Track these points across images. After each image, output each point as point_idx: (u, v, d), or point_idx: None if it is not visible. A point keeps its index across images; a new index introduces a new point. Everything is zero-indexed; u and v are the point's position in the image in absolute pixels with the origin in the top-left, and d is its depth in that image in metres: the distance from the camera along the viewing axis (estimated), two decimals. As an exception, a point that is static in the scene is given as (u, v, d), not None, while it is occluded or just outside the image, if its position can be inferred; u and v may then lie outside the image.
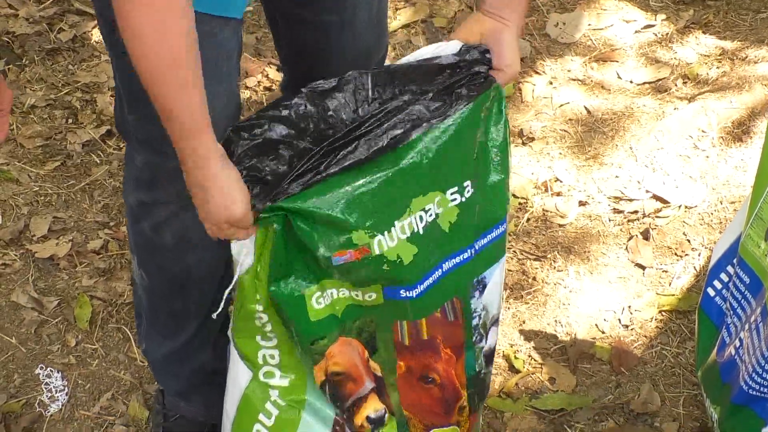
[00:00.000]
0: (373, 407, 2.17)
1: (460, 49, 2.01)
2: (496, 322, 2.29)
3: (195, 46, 1.78)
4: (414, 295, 2.02)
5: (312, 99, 1.94)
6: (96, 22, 2.26)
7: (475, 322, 2.23)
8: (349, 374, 2.11)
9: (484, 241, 2.09)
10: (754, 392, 2.33)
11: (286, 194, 1.85)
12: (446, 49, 2.02)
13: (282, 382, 2.11)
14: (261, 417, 2.17)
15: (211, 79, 1.91)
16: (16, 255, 3.11)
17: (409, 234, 1.97)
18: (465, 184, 2.04)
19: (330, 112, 1.97)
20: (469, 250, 2.09)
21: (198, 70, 1.81)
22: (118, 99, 2.20)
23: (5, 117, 1.93)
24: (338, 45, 2.35)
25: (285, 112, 1.92)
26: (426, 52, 2.01)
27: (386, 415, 2.20)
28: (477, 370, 2.29)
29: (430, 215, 2.01)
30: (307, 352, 2.05)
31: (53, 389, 2.74)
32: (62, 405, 2.72)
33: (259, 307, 2.03)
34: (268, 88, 3.68)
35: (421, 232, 1.99)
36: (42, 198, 3.28)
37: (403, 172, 1.94)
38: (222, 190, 1.87)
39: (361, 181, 1.90)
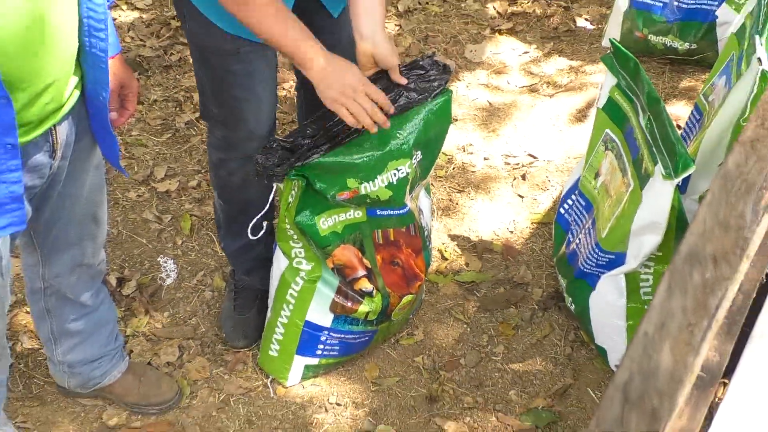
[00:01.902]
0: (364, 285, 2.54)
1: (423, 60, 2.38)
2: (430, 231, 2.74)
3: (281, 6, 2.04)
4: (402, 212, 2.50)
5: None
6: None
7: (426, 233, 2.69)
8: (347, 265, 2.50)
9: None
10: (587, 270, 2.73)
11: (309, 159, 2.19)
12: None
13: (306, 267, 2.50)
14: (292, 286, 2.54)
15: (260, 80, 2.38)
16: (145, 189, 3.41)
17: (386, 184, 2.37)
18: (417, 152, 2.44)
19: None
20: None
21: (287, 14, 2.06)
22: (201, 96, 2.50)
23: (134, 100, 2.15)
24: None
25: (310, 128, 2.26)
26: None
27: (373, 291, 2.56)
28: (430, 261, 2.76)
29: (402, 173, 2.38)
30: (320, 253, 2.46)
31: (168, 270, 3.08)
32: (173, 280, 3.05)
33: (289, 227, 2.44)
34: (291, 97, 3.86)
35: (395, 182, 2.38)
36: (160, 155, 3.58)
37: (383, 143, 2.31)
38: (338, 63, 2.12)
39: (355, 154, 2.27)
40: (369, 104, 2.13)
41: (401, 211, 2.53)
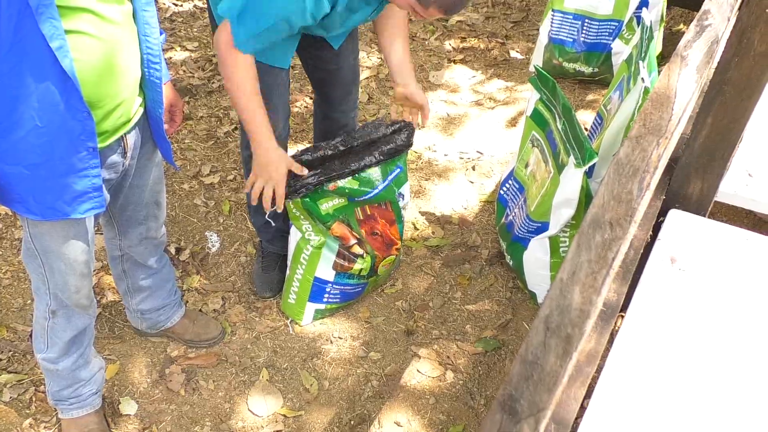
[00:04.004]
0: (357, 250, 2.58)
1: (392, 126, 2.43)
2: (405, 208, 2.71)
3: (257, 84, 2.07)
4: (370, 195, 2.48)
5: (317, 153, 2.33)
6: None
7: (401, 211, 2.67)
8: (342, 237, 2.53)
9: (392, 176, 2.51)
10: (521, 235, 2.75)
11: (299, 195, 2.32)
12: (379, 127, 2.42)
13: (315, 238, 2.52)
14: (304, 252, 2.56)
15: (276, 96, 2.36)
16: (195, 182, 3.35)
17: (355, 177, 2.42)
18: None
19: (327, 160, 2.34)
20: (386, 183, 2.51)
21: (260, 98, 2.09)
22: None
23: (180, 115, 2.14)
24: (337, 79, 2.54)
25: (306, 157, 2.31)
26: (372, 127, 2.41)
27: (364, 253, 2.59)
28: (403, 231, 2.75)
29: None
30: (323, 227, 2.49)
31: (213, 241, 3.05)
32: (217, 249, 3.02)
33: (296, 210, 2.45)
34: (306, 106, 3.84)
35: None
36: (206, 157, 3.51)
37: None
38: (274, 157, 2.18)
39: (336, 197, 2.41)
40: (267, 191, 2.23)
41: (374, 192, 2.50)
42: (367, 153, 2.41)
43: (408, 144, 2.50)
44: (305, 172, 2.29)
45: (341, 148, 2.37)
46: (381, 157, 2.43)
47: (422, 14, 1.92)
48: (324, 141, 2.41)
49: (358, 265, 2.60)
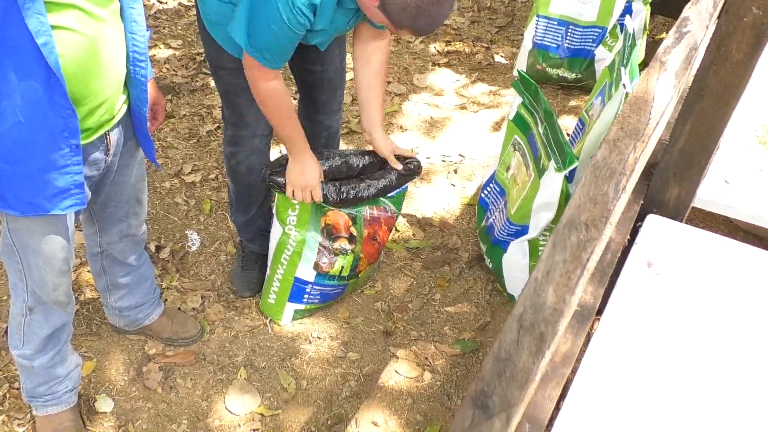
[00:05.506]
0: (343, 244, 2.56)
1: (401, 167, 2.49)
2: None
3: (291, 106, 2.20)
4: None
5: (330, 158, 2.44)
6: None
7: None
8: (333, 225, 2.52)
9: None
10: (501, 238, 2.76)
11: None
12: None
13: (296, 234, 2.50)
14: (285, 250, 2.54)
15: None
16: (176, 180, 3.34)
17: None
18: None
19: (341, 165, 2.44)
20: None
21: (294, 117, 2.24)
22: (222, 103, 2.48)
23: (163, 113, 2.14)
24: (322, 81, 2.55)
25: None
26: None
27: (348, 250, 2.57)
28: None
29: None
30: (319, 212, 2.47)
31: (193, 240, 3.05)
32: (197, 247, 3.02)
33: (291, 211, 2.46)
34: None
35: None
36: (187, 155, 3.51)
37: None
38: (308, 164, 2.30)
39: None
40: (306, 197, 2.35)
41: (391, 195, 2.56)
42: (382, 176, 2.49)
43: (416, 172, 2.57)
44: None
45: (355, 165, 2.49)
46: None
47: (394, 33, 1.99)
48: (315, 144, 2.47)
49: (339, 264, 2.60)
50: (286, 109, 2.20)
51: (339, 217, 2.52)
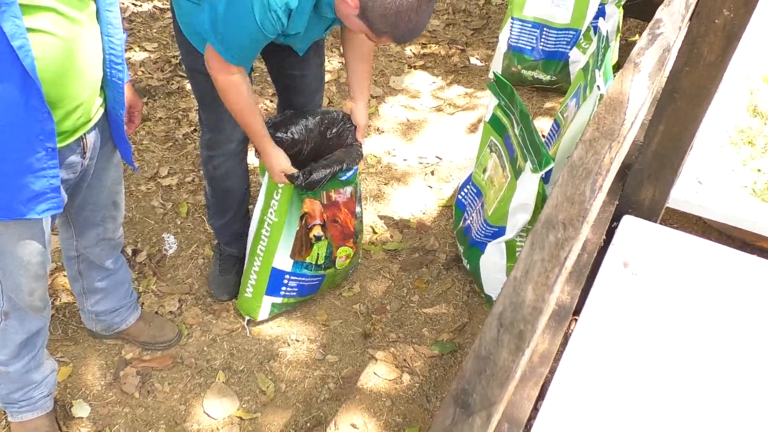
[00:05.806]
0: (317, 231, 2.58)
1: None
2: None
3: (251, 97, 2.19)
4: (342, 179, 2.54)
5: (288, 125, 2.44)
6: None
7: (358, 209, 2.71)
8: (311, 214, 2.53)
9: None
10: (478, 239, 2.77)
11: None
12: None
13: (273, 219, 2.50)
14: (261, 241, 2.56)
15: None
16: (152, 184, 3.34)
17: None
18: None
19: (296, 134, 2.45)
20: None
21: (255, 108, 2.21)
22: (198, 107, 2.49)
23: (139, 116, 2.14)
24: (301, 85, 2.55)
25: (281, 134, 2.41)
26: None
27: (323, 237, 2.59)
28: (361, 226, 2.78)
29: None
30: (299, 202, 2.47)
31: (170, 243, 3.04)
32: (174, 251, 3.01)
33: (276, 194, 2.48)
34: (267, 109, 3.87)
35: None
36: (164, 159, 3.50)
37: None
38: (274, 154, 2.33)
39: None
40: (281, 179, 2.37)
41: (341, 178, 2.55)
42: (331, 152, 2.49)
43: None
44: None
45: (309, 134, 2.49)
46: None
47: (374, 41, 2.00)
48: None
49: (315, 251, 2.60)
50: (245, 101, 2.18)
51: (312, 204, 2.53)
